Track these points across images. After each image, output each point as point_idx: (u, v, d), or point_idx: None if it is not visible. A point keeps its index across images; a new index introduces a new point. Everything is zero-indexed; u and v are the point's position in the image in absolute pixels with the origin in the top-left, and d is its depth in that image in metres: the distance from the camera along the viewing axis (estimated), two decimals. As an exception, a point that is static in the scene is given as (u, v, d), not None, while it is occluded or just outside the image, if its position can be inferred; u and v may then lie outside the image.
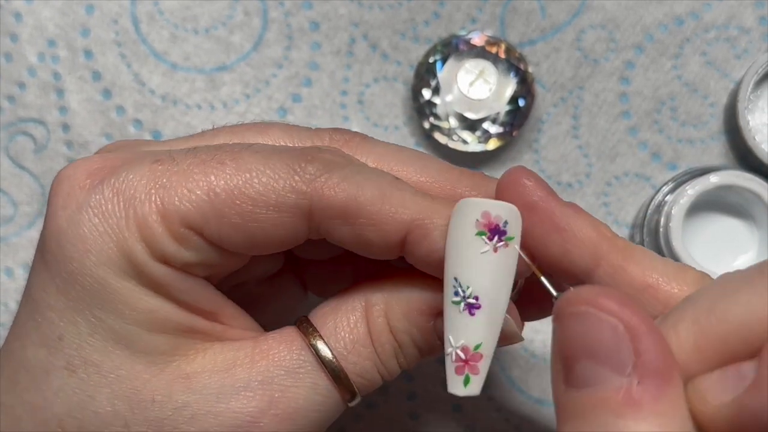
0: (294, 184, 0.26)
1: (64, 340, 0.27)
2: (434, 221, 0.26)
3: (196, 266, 0.27)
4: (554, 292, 0.25)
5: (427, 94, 0.40)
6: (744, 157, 0.40)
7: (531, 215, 0.26)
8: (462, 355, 0.26)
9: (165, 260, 0.26)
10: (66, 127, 0.41)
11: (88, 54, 0.41)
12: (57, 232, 0.27)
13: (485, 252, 0.26)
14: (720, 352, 0.22)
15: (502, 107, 0.39)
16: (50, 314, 0.27)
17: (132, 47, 0.41)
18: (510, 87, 0.40)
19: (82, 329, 0.26)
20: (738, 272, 0.24)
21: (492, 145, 0.40)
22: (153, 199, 0.26)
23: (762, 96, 0.40)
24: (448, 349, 0.26)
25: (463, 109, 0.39)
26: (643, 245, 0.37)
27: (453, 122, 0.40)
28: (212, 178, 0.26)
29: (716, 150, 0.41)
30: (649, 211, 0.39)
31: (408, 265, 0.28)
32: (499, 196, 0.27)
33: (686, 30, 0.41)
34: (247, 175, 0.26)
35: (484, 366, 0.26)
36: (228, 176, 0.26)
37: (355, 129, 0.41)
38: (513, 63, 0.40)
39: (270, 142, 0.30)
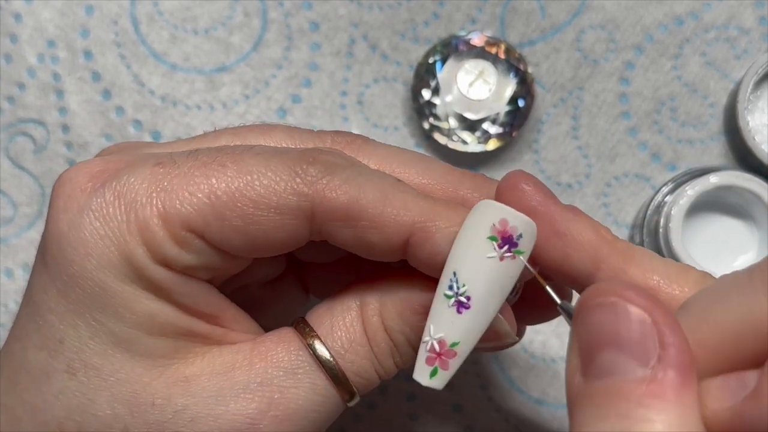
0: (295, 186, 0.26)
1: (65, 343, 0.27)
2: (436, 224, 0.26)
3: (198, 269, 0.27)
4: (558, 300, 0.26)
5: (426, 94, 0.40)
6: (744, 157, 0.40)
7: (536, 216, 0.26)
8: (437, 348, 0.26)
9: (166, 264, 0.26)
10: (66, 128, 0.41)
11: (88, 55, 0.41)
12: (58, 235, 0.27)
13: (491, 258, 0.26)
14: (716, 361, 0.22)
15: (502, 108, 0.39)
16: (51, 317, 0.27)
17: (131, 48, 0.41)
18: (510, 87, 0.40)
19: (82, 332, 0.26)
20: (729, 277, 0.24)
21: (492, 145, 0.40)
22: (154, 202, 0.26)
23: (762, 96, 0.39)
24: (426, 338, 0.26)
25: (463, 109, 0.39)
26: (642, 246, 0.38)
27: (453, 123, 0.40)
28: (213, 180, 0.26)
29: (716, 150, 0.41)
30: (649, 212, 0.39)
31: (405, 266, 0.28)
32: (498, 199, 0.27)
33: (686, 30, 0.41)
34: (249, 178, 0.26)
35: (454, 364, 0.26)
36: (229, 179, 0.26)
37: (354, 130, 0.41)
38: (513, 63, 0.40)
39: (272, 144, 0.30)
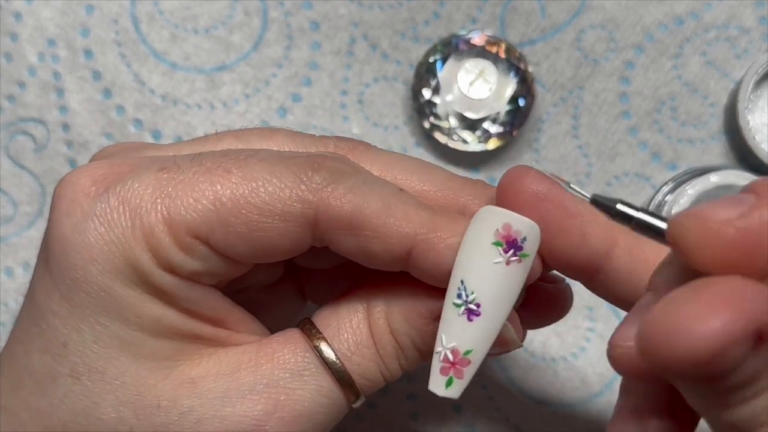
0: (300, 194, 0.26)
1: (68, 347, 0.27)
2: (438, 235, 0.26)
3: (202, 275, 0.27)
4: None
5: (427, 93, 0.40)
6: (744, 157, 0.40)
7: (544, 206, 0.26)
8: (450, 357, 0.26)
9: (171, 269, 0.26)
10: (66, 127, 0.41)
11: (88, 54, 0.41)
12: (61, 240, 0.27)
13: (497, 263, 0.26)
14: None
15: (502, 107, 0.40)
16: (54, 321, 0.27)
17: (132, 47, 0.41)
18: (510, 87, 0.40)
19: (86, 336, 0.26)
20: None
21: (492, 144, 0.40)
22: (159, 208, 0.26)
23: (762, 96, 0.40)
24: (438, 348, 0.26)
25: (463, 108, 0.39)
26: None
27: (453, 122, 0.40)
28: (218, 187, 0.26)
29: (716, 150, 0.41)
30: (649, 211, 0.39)
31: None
32: (502, 193, 0.27)
33: (686, 30, 0.41)
34: (253, 184, 0.26)
35: (469, 372, 0.26)
36: (234, 185, 0.26)
37: (355, 129, 0.41)
38: (513, 63, 0.40)
39: (275, 148, 0.29)
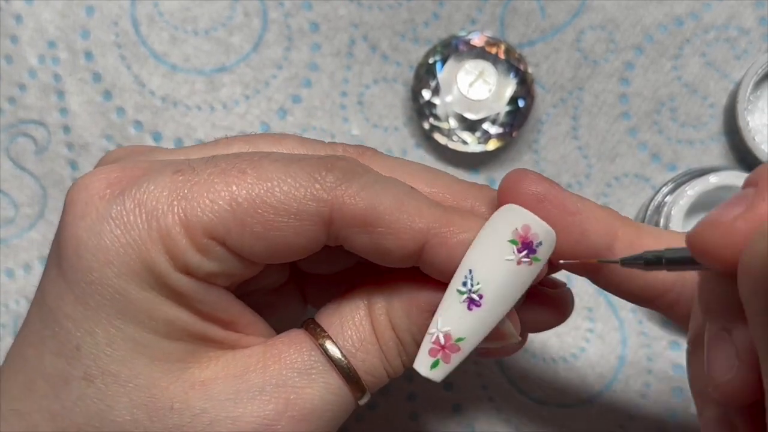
0: (315, 192, 0.26)
1: (82, 350, 0.27)
2: (451, 230, 0.27)
3: (218, 276, 0.27)
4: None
5: (426, 94, 0.40)
6: (744, 157, 0.40)
7: (543, 206, 0.27)
8: (442, 340, 0.27)
9: (188, 271, 0.26)
10: (66, 129, 0.41)
11: (89, 56, 0.41)
12: (75, 242, 0.27)
13: (509, 260, 0.26)
14: None
15: (502, 108, 0.40)
16: (67, 324, 0.27)
17: (132, 49, 0.41)
18: (510, 88, 0.40)
19: (99, 339, 0.26)
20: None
21: (492, 145, 0.40)
22: (175, 210, 0.26)
23: (762, 97, 0.40)
24: (432, 329, 0.27)
25: (463, 109, 0.39)
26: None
27: (453, 123, 0.40)
28: (234, 187, 0.26)
29: (716, 151, 0.41)
30: (649, 212, 0.39)
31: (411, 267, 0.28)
32: (502, 196, 0.27)
33: (686, 31, 0.41)
34: (269, 184, 0.26)
35: (456, 359, 0.27)
36: (249, 185, 0.26)
37: (355, 130, 0.41)
38: (513, 64, 0.40)
39: (285, 152, 0.30)
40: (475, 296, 0.26)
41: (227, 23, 0.41)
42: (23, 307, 0.41)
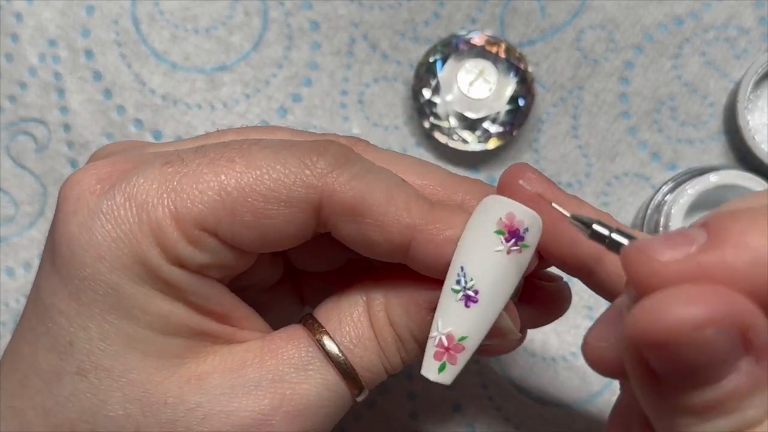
0: (305, 179, 0.26)
1: (75, 345, 0.27)
2: (437, 226, 0.26)
3: (211, 268, 0.27)
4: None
5: (427, 93, 0.40)
6: (744, 157, 0.40)
7: (537, 207, 0.26)
8: (445, 342, 0.26)
9: (180, 264, 0.26)
10: (67, 127, 0.41)
11: (89, 54, 0.41)
12: (68, 238, 0.27)
13: (498, 251, 0.26)
14: None
15: (502, 107, 0.40)
16: (60, 319, 0.27)
17: (132, 47, 0.41)
18: (510, 87, 0.40)
19: (92, 334, 0.26)
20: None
21: (492, 144, 0.40)
22: (165, 203, 0.26)
23: (761, 96, 0.40)
24: (433, 333, 0.27)
25: (463, 108, 0.40)
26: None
27: (453, 122, 0.40)
28: (223, 177, 0.26)
29: (716, 150, 0.41)
30: (649, 211, 0.39)
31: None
32: (501, 192, 0.27)
33: (686, 30, 0.41)
34: (258, 172, 0.26)
35: (462, 359, 0.27)
36: (238, 174, 0.26)
37: (355, 129, 0.41)
38: (513, 63, 0.40)
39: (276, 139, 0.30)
40: (470, 293, 0.26)
41: (228, 22, 0.41)
42: (23, 306, 0.41)
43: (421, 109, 0.40)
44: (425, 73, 0.40)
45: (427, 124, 0.40)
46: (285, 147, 0.27)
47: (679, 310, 0.19)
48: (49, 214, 0.41)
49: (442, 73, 0.40)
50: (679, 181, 0.38)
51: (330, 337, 0.28)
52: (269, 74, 0.41)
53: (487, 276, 0.26)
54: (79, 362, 0.26)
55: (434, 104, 0.40)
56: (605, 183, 0.41)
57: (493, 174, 0.41)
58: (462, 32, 0.40)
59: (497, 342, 0.28)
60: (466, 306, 0.26)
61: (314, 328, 0.28)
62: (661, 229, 0.37)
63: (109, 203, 0.26)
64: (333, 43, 0.41)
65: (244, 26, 0.41)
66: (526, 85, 0.40)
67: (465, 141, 0.40)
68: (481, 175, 0.41)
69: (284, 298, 0.34)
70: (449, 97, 0.40)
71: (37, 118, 0.41)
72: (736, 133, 0.39)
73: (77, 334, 0.26)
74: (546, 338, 0.40)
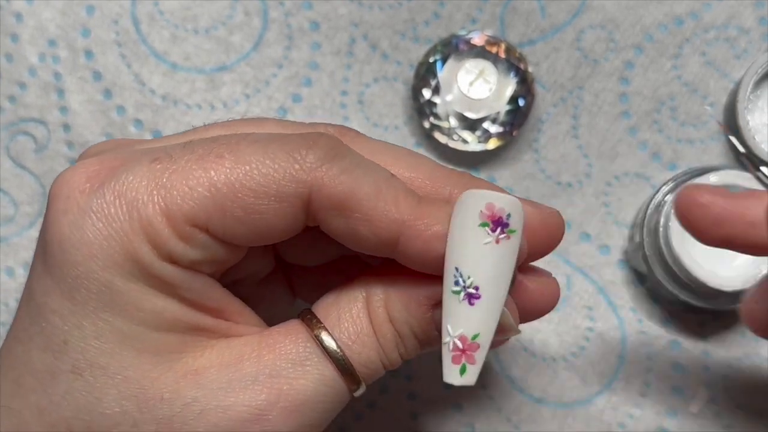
0: (294, 173, 0.26)
1: (69, 344, 0.26)
2: (424, 222, 0.26)
3: (203, 263, 0.27)
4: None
5: (427, 93, 0.40)
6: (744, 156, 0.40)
7: (730, 203, 0.28)
8: (459, 345, 0.26)
9: (172, 260, 0.26)
10: (67, 127, 0.41)
11: (89, 54, 0.41)
12: (59, 238, 0.27)
13: (488, 243, 0.26)
14: None
15: (502, 107, 0.40)
16: (54, 319, 0.27)
17: (132, 47, 0.41)
18: (510, 87, 0.40)
19: (87, 332, 0.26)
20: None
21: (492, 144, 0.40)
22: (155, 200, 0.26)
23: (762, 96, 0.40)
24: (446, 339, 0.27)
25: (463, 108, 0.39)
26: (642, 245, 0.38)
27: (453, 122, 0.40)
28: (212, 173, 0.26)
29: (716, 150, 0.41)
30: (649, 211, 0.39)
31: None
32: (680, 213, 0.28)
33: (686, 30, 0.41)
34: (247, 167, 0.26)
35: (480, 356, 0.26)
36: (228, 170, 0.26)
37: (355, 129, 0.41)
38: (513, 63, 0.40)
39: (265, 132, 0.30)
40: (471, 290, 0.26)
41: (228, 22, 0.41)
42: (23, 306, 0.41)
43: (421, 109, 0.40)
44: (425, 73, 0.40)
45: (427, 124, 0.40)
46: (274, 141, 0.27)
47: None
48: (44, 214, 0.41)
49: (442, 73, 0.40)
50: (679, 181, 0.38)
51: (328, 332, 0.28)
52: (269, 74, 0.41)
53: (484, 270, 0.26)
54: (74, 361, 0.26)
55: (434, 104, 0.40)
56: (605, 183, 0.41)
57: (493, 174, 0.41)
58: (462, 32, 0.40)
59: (501, 338, 0.28)
60: (470, 304, 0.26)
61: (313, 323, 0.28)
62: (661, 229, 0.37)
63: (99, 201, 0.26)
64: (333, 43, 0.41)
65: (244, 26, 0.41)
66: (526, 85, 0.40)
67: (465, 141, 0.40)
68: (481, 175, 0.41)
69: (275, 291, 0.34)
70: (449, 97, 0.40)
71: (37, 118, 0.41)
72: (736, 133, 0.39)
73: (72, 333, 0.26)
74: (546, 338, 0.40)
